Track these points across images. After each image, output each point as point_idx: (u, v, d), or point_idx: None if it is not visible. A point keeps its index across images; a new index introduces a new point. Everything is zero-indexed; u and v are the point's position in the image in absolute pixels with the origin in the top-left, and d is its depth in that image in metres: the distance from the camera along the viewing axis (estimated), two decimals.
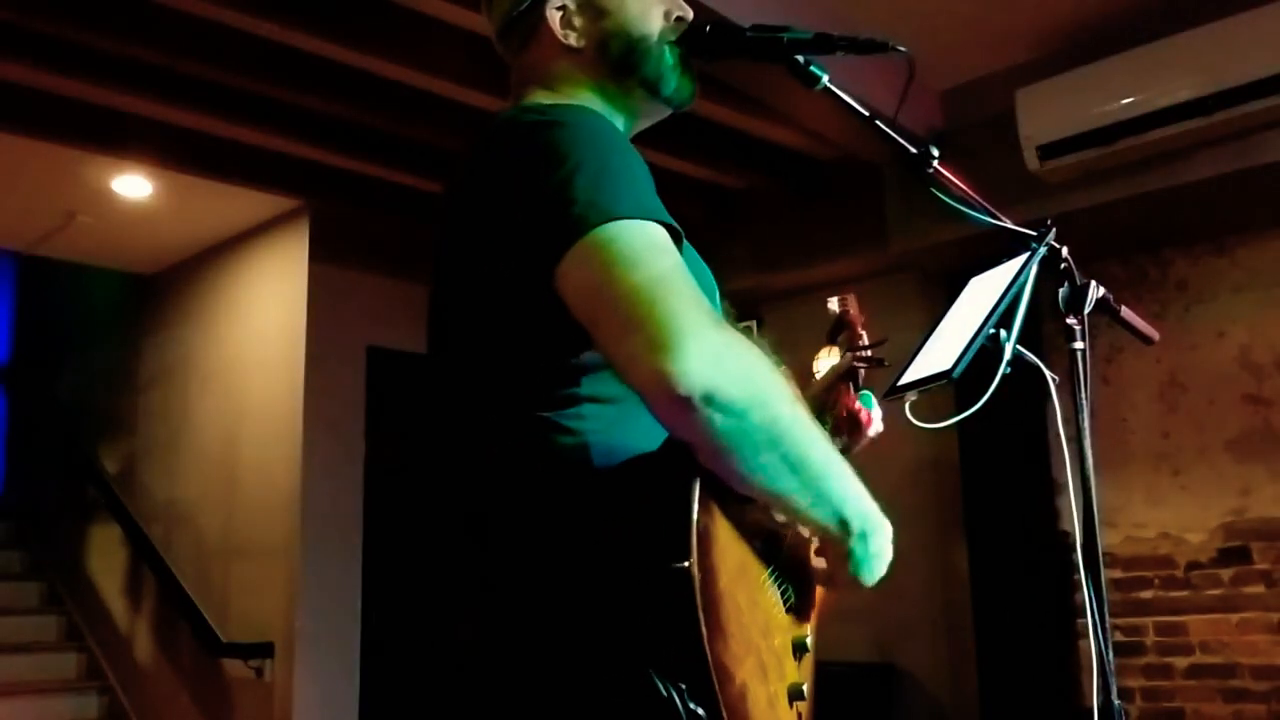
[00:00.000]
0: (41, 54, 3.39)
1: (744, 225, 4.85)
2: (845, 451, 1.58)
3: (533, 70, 1.30)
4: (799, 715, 1.11)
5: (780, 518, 1.10)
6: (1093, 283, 1.41)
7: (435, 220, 1.23)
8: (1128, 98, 3.40)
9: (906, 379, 1.39)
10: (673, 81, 1.30)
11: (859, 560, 1.11)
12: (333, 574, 4.57)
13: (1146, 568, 4.03)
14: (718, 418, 0.96)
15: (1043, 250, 1.38)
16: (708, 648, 0.94)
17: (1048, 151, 3.57)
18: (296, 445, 4.59)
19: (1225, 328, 3.98)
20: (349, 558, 4.64)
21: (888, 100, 1.43)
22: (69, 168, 4.32)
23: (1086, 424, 1.34)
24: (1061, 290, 1.41)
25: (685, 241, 1.13)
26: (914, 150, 1.35)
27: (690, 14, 1.33)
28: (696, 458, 1.00)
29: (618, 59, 1.27)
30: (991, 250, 1.47)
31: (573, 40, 1.27)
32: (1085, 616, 1.29)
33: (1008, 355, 1.31)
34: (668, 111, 1.34)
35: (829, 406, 1.59)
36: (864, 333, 1.71)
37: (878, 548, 1.12)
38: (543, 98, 1.26)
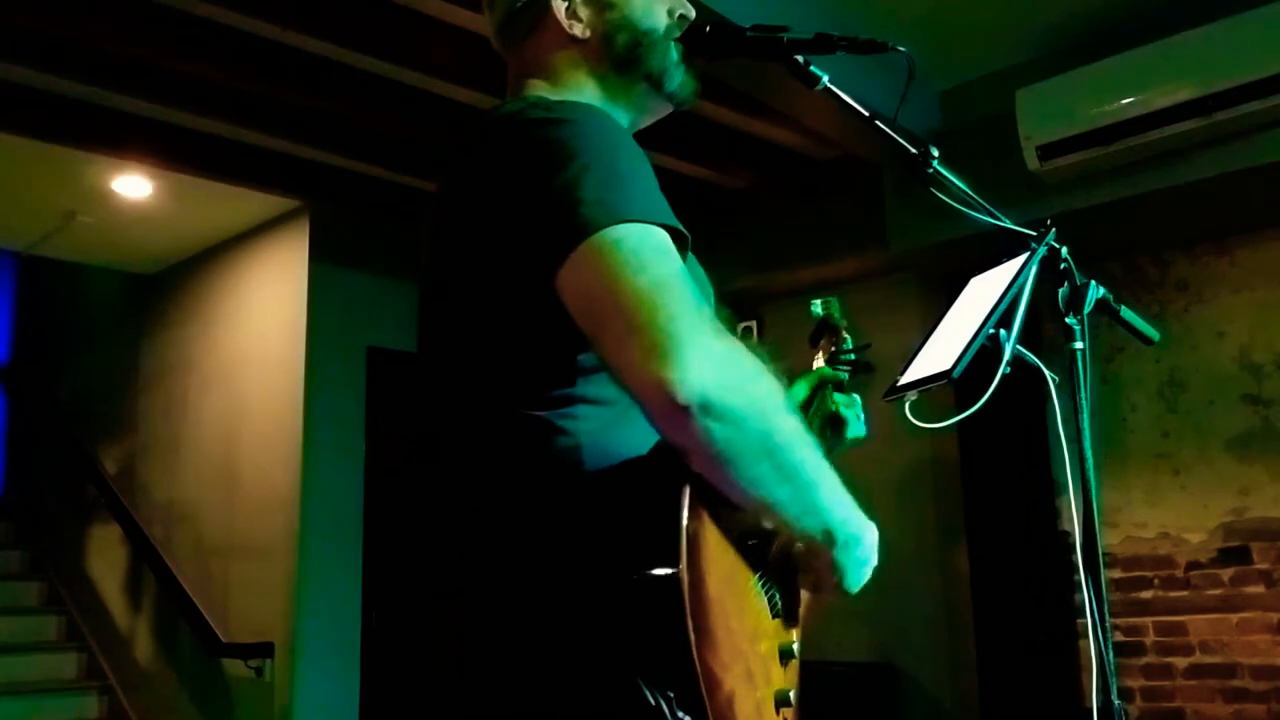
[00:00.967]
0: (41, 54, 3.39)
1: (744, 225, 4.85)
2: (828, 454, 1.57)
3: (534, 62, 1.28)
4: None
5: (769, 525, 1.11)
6: (1093, 283, 1.41)
7: (427, 215, 1.22)
8: (1127, 98, 3.40)
9: (906, 379, 1.38)
10: (677, 77, 1.30)
11: (843, 568, 1.12)
12: (333, 574, 4.57)
13: (1146, 568, 4.03)
14: (715, 426, 0.96)
15: (1043, 250, 1.38)
16: (696, 655, 0.94)
17: (1048, 151, 3.57)
18: (296, 445, 4.59)
19: (1225, 328, 3.98)
20: (349, 558, 4.64)
21: (888, 100, 1.43)
22: (69, 168, 4.32)
23: (1086, 424, 1.34)
24: (1061, 290, 1.41)
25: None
26: (914, 150, 1.35)
27: (693, 13, 1.33)
28: (688, 463, 0.99)
29: (623, 52, 1.26)
30: (991, 250, 1.47)
31: (578, 31, 1.26)
32: (1085, 616, 1.29)
33: (1008, 355, 1.31)
34: (669, 109, 1.34)
35: (812, 411, 1.59)
36: (848, 336, 1.70)
37: (862, 556, 1.13)
38: (544, 91, 1.25)
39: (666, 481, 0.99)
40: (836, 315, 1.74)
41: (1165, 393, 4.08)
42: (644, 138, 1.36)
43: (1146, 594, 4.01)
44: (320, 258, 4.75)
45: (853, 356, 1.67)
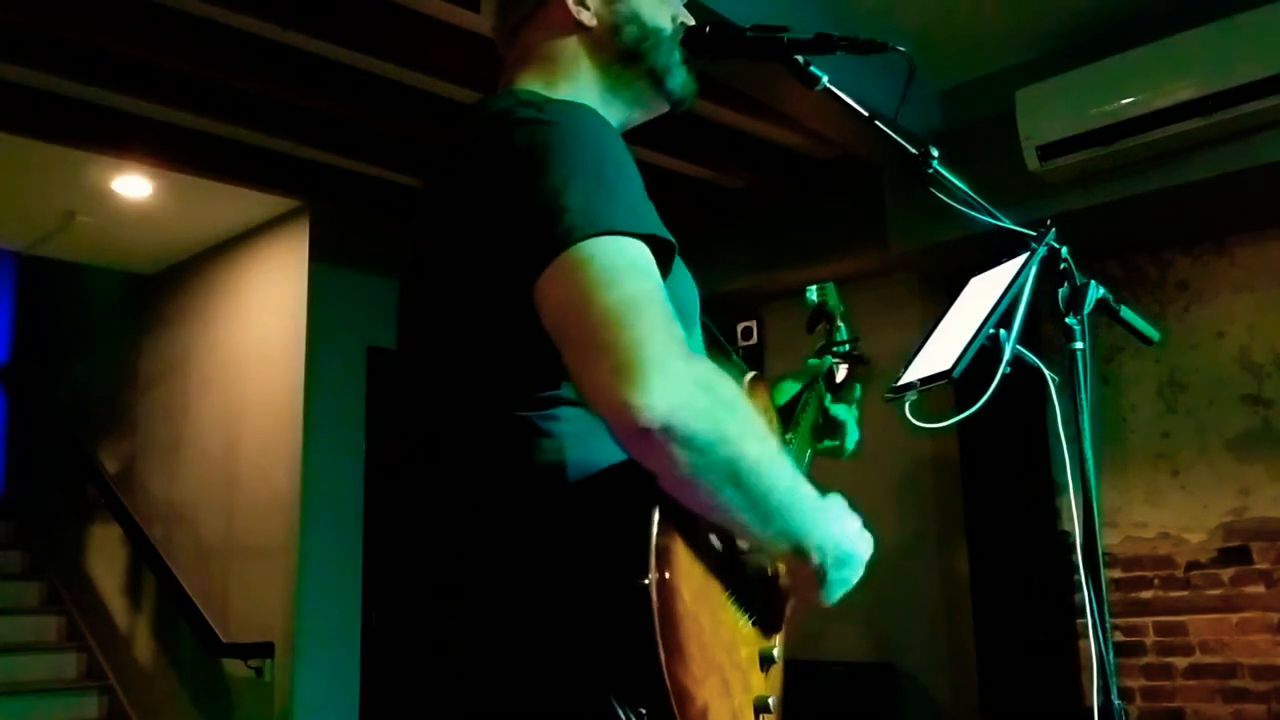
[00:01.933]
0: (41, 54, 3.39)
1: (744, 225, 4.85)
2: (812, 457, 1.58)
3: (534, 49, 1.27)
4: None
5: (743, 544, 1.10)
6: (1093, 283, 1.41)
7: (415, 210, 1.20)
8: (1128, 98, 3.40)
9: (906, 379, 1.38)
10: (679, 76, 1.29)
11: (823, 585, 1.11)
12: (333, 574, 4.57)
13: (1146, 568, 4.03)
14: (678, 452, 0.94)
15: (1042, 250, 1.38)
16: (666, 671, 0.93)
17: (1048, 151, 3.57)
18: (296, 445, 4.59)
19: (1225, 328, 3.98)
20: (349, 558, 4.64)
21: (888, 100, 1.43)
22: (69, 168, 4.32)
23: (1086, 424, 1.34)
24: (1061, 290, 1.41)
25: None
26: (914, 150, 1.35)
27: (692, 21, 1.33)
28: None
29: (630, 44, 1.26)
30: (991, 250, 1.47)
31: (586, 19, 1.25)
32: (1085, 616, 1.29)
33: (1008, 355, 1.31)
34: (665, 107, 1.33)
35: (804, 405, 1.58)
36: (843, 325, 1.70)
37: (840, 577, 1.12)
38: (538, 84, 1.23)
39: (639, 495, 0.98)
40: (832, 302, 1.73)
41: (1165, 393, 4.08)
42: (644, 138, 1.36)
43: (1146, 594, 4.01)
44: (320, 258, 4.75)
45: (846, 347, 1.66)
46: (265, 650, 4.55)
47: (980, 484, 4.29)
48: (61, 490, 6.33)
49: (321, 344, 4.69)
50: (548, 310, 1.00)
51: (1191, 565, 3.94)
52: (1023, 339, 1.33)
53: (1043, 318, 1.46)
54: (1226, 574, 3.87)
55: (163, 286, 5.68)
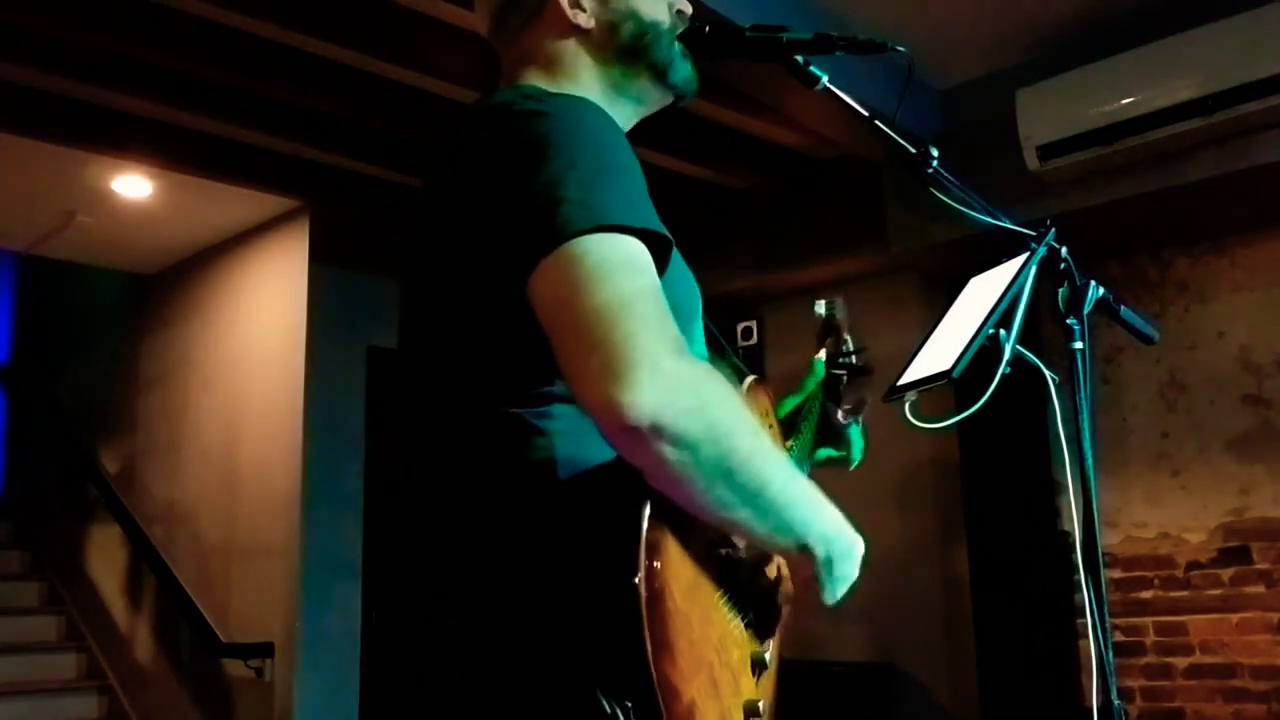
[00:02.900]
0: (41, 54, 3.39)
1: (744, 225, 4.85)
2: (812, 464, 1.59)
3: (533, 51, 1.26)
4: None
5: (738, 541, 1.10)
6: (1093, 283, 1.41)
7: (414, 207, 1.20)
8: (1128, 98, 3.40)
9: (906, 379, 1.38)
10: (682, 70, 1.28)
11: (821, 584, 1.11)
12: (333, 574, 4.57)
13: (1146, 568, 4.03)
14: (667, 450, 0.93)
15: (1042, 250, 1.38)
16: (653, 665, 0.93)
17: (1048, 151, 3.56)
18: (296, 445, 4.59)
19: (1225, 328, 3.98)
20: (349, 558, 4.64)
21: (888, 100, 1.43)
22: (69, 168, 4.32)
23: (1086, 424, 1.34)
24: (1061, 290, 1.41)
25: (674, 250, 1.11)
26: (914, 150, 1.35)
27: (690, 9, 1.32)
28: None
29: (629, 41, 1.25)
30: (991, 250, 1.47)
31: (582, 20, 1.24)
32: (1085, 616, 1.29)
33: (1008, 355, 1.30)
34: (669, 100, 1.32)
35: (807, 414, 1.59)
36: (849, 338, 1.70)
37: (843, 571, 1.11)
38: (540, 81, 1.22)
39: (630, 490, 0.98)
40: (839, 316, 1.74)
41: (1165, 393, 4.08)
42: (645, 137, 1.35)
43: (1146, 594, 4.01)
44: (320, 258, 4.75)
45: (852, 360, 1.67)
46: (265, 650, 4.55)
47: (980, 484, 4.29)
48: (61, 490, 6.33)
49: (321, 344, 4.69)
50: (541, 306, 1.00)
51: (1191, 565, 3.94)
52: (1023, 339, 1.33)
53: (1043, 318, 1.46)
54: (1226, 574, 3.87)
55: (163, 286, 5.68)
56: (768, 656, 1.16)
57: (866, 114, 1.34)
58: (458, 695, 1.04)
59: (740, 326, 5.04)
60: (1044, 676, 4.02)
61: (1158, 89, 3.35)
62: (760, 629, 1.16)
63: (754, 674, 1.13)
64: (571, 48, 1.25)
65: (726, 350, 1.40)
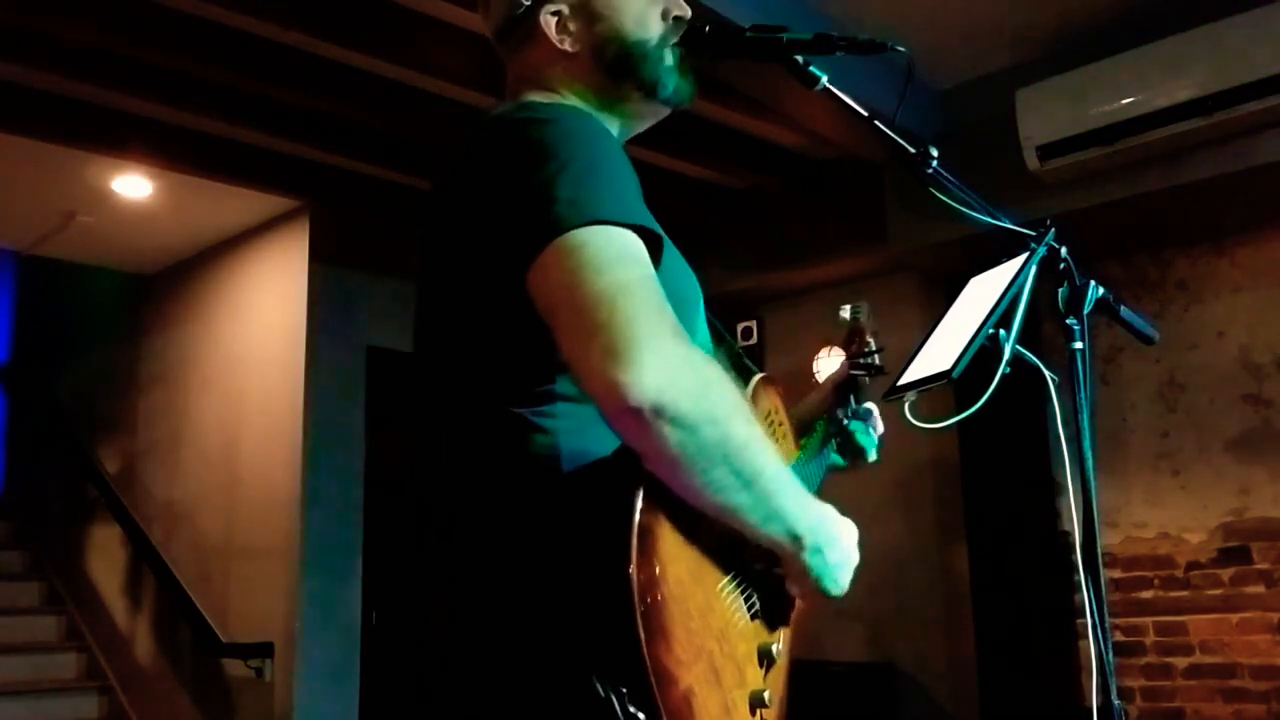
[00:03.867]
0: (41, 54, 3.39)
1: (744, 225, 4.85)
2: (845, 465, 1.60)
3: (528, 73, 1.29)
4: None
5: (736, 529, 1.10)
6: (1092, 283, 1.40)
7: (421, 217, 1.23)
8: (1128, 98, 3.40)
9: (906, 379, 1.39)
10: (671, 83, 1.29)
11: (818, 573, 1.11)
12: (333, 574, 4.57)
13: (1146, 568, 4.03)
14: (667, 430, 0.96)
15: (1042, 250, 1.38)
16: (646, 651, 0.94)
17: (1048, 151, 3.57)
18: (296, 445, 4.59)
19: (1225, 328, 3.98)
20: (349, 558, 4.64)
21: (888, 100, 1.43)
22: (69, 168, 4.32)
23: (1086, 424, 1.34)
24: (1061, 290, 1.41)
25: (671, 248, 1.13)
26: (914, 150, 1.35)
27: (689, 13, 1.32)
28: (644, 465, 1.00)
29: (613, 63, 1.26)
30: (991, 250, 1.47)
31: (568, 45, 1.26)
32: (1085, 616, 1.29)
33: (1007, 355, 1.31)
34: (666, 112, 1.34)
35: (824, 414, 1.61)
36: (871, 341, 1.72)
37: (837, 558, 1.12)
38: (538, 98, 1.26)
39: (623, 480, 1.00)
40: (864, 320, 1.75)
41: (1165, 393, 4.08)
42: (643, 137, 1.36)
43: (1146, 594, 4.01)
44: (320, 258, 4.75)
45: (875, 361, 1.69)
46: (265, 650, 4.55)
47: (980, 484, 4.29)
48: (61, 490, 6.33)
49: (321, 344, 4.69)
50: (541, 298, 1.02)
51: (1191, 565, 3.94)
52: (1023, 339, 1.33)
53: (1043, 318, 1.46)
54: (1226, 574, 3.87)
55: (163, 286, 5.68)
56: (775, 649, 1.16)
57: (866, 114, 1.34)
58: (458, 683, 1.06)
59: (740, 326, 5.04)
60: (1044, 677, 4.02)
61: (1158, 89, 3.35)
62: (769, 620, 1.17)
63: (761, 666, 1.14)
64: (562, 71, 1.27)
65: (731, 345, 1.41)
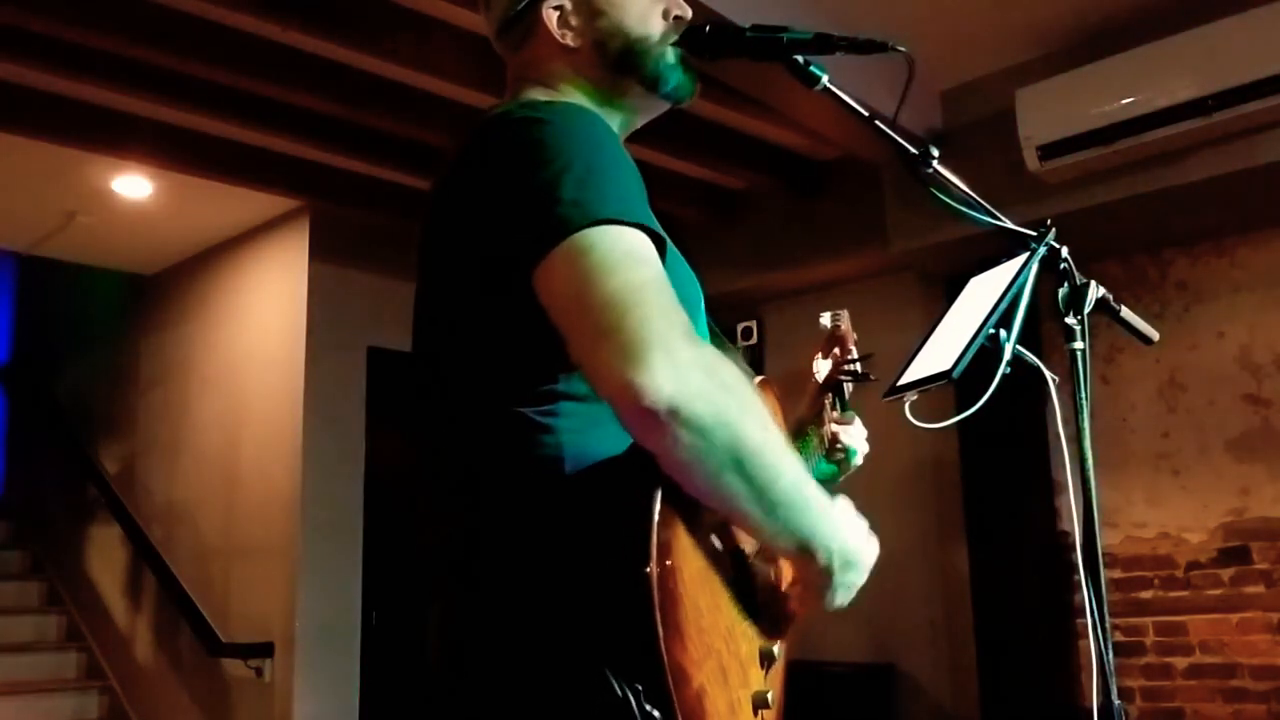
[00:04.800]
0: (41, 54, 3.39)
1: (744, 225, 4.85)
2: (836, 473, 1.60)
3: (529, 68, 1.29)
4: None
5: (747, 540, 1.10)
6: (1092, 283, 1.40)
7: (421, 216, 1.23)
8: (1128, 98, 3.40)
9: (906, 379, 1.38)
10: (673, 79, 1.29)
11: (828, 587, 1.10)
12: (333, 574, 4.57)
13: (1146, 568, 4.03)
14: (682, 433, 0.95)
15: (1042, 250, 1.38)
16: (664, 650, 0.94)
17: (1048, 151, 3.56)
18: (296, 445, 4.59)
19: (1225, 328, 3.98)
20: (349, 558, 4.64)
21: (888, 100, 1.43)
22: (69, 168, 4.32)
23: (1086, 424, 1.34)
24: (1061, 290, 1.40)
25: (672, 249, 1.13)
26: (914, 150, 1.35)
27: (689, 13, 1.32)
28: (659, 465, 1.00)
29: (615, 58, 1.26)
30: (991, 250, 1.47)
31: (569, 40, 1.26)
32: (1085, 616, 1.29)
33: (1007, 355, 1.30)
34: (666, 106, 1.34)
35: (814, 422, 1.61)
36: (853, 348, 1.72)
37: (846, 580, 1.10)
38: (538, 95, 1.25)
39: (640, 480, 0.99)
40: (844, 327, 1.76)
41: (1165, 393, 4.08)
42: (643, 137, 1.35)
43: (1146, 594, 4.01)
44: (320, 258, 4.75)
45: (857, 368, 1.69)
46: (265, 650, 4.55)
47: (980, 484, 4.29)
48: (61, 490, 6.33)
49: (321, 344, 4.70)
50: (548, 299, 1.02)
51: (1191, 565, 3.94)
52: (1023, 339, 1.33)
53: (1043, 318, 1.46)
54: (1226, 574, 3.87)
55: (163, 286, 5.68)
56: (776, 650, 1.16)
57: (866, 114, 1.34)
58: (471, 683, 1.05)
59: (740, 326, 5.04)
60: (1044, 676, 4.01)
61: (1158, 89, 3.35)
62: (769, 626, 1.17)
63: (763, 667, 1.14)
64: (563, 66, 1.27)
65: (729, 348, 1.41)
